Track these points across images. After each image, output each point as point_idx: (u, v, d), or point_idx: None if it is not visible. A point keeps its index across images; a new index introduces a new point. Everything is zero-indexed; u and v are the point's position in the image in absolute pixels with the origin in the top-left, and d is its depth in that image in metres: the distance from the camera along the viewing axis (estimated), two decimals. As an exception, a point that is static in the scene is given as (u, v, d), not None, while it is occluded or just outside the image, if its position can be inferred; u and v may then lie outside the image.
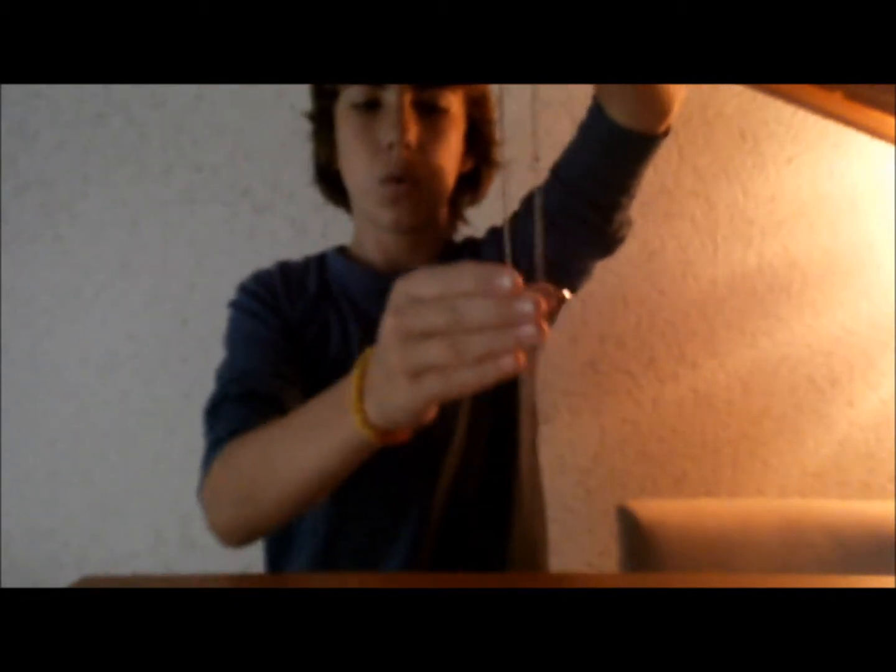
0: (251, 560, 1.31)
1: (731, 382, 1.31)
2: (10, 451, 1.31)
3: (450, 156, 0.82)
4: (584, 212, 0.77)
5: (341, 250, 0.91)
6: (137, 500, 1.31)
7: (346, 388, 0.51)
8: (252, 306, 0.85)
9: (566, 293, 0.46)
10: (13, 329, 1.30)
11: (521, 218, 0.87)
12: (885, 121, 1.16)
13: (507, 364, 0.41)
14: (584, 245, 0.81)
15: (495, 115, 0.87)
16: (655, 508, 1.02)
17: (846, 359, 1.30)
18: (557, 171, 0.79)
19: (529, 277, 0.85)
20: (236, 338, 0.83)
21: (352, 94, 0.79)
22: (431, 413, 0.49)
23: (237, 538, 0.69)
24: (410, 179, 0.79)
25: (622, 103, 0.69)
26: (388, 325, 0.44)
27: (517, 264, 0.88)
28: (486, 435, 0.84)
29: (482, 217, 0.93)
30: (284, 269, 0.89)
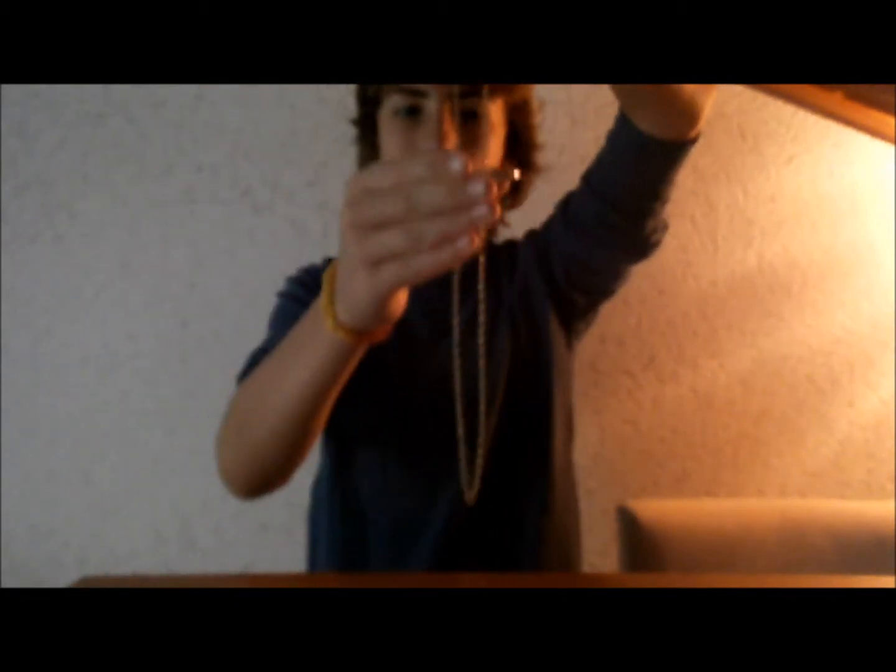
0: (251, 560, 1.32)
1: (731, 382, 1.31)
2: (10, 451, 1.31)
3: (489, 162, 0.83)
4: (615, 219, 0.78)
5: None
6: (137, 500, 1.31)
7: (321, 298, 0.52)
8: (297, 292, 0.87)
9: (516, 173, 0.46)
10: (13, 329, 1.30)
11: (556, 222, 0.87)
12: (885, 121, 1.16)
13: (463, 246, 0.41)
14: (618, 251, 0.82)
15: (536, 120, 0.89)
16: (655, 508, 1.02)
17: (846, 359, 1.30)
18: (588, 179, 0.80)
19: (564, 280, 0.85)
20: (277, 319, 0.86)
21: (394, 101, 0.80)
22: (398, 309, 0.50)
23: (243, 481, 0.68)
24: None
25: (646, 113, 0.69)
26: (345, 217, 0.44)
27: (551, 266, 0.86)
28: (520, 431, 0.85)
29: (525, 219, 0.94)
30: (315, 268, 0.92)
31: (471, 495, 0.82)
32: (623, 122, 0.72)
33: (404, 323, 0.85)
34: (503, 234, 0.96)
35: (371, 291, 0.46)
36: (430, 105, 0.78)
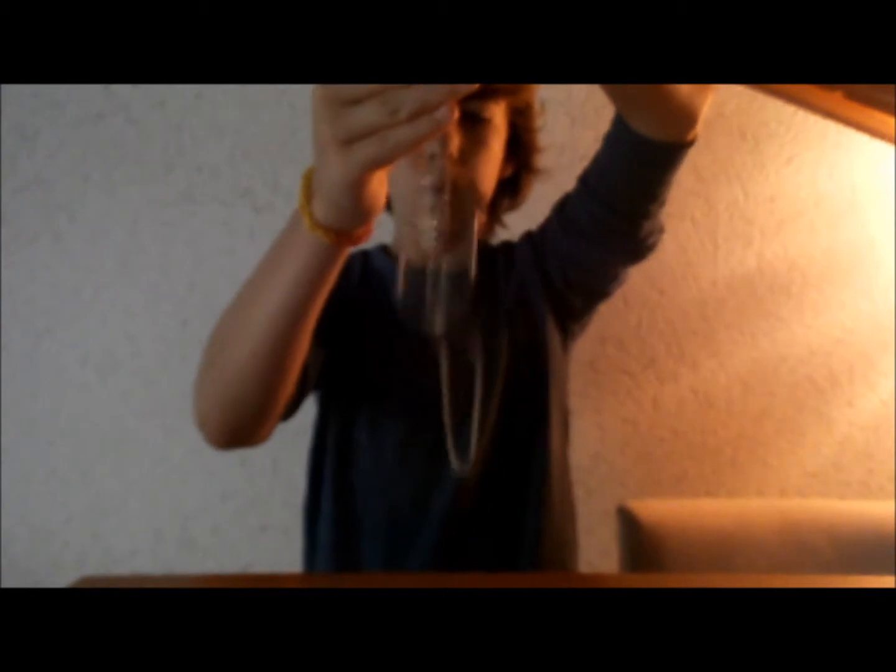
0: (251, 560, 1.32)
1: (731, 382, 1.31)
2: (10, 451, 1.31)
3: (491, 165, 0.83)
4: (612, 221, 0.77)
5: (384, 248, 0.94)
6: (137, 500, 1.31)
7: (298, 199, 0.51)
8: None
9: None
10: (13, 329, 1.30)
11: (552, 223, 0.87)
12: (885, 121, 1.16)
13: (442, 116, 0.40)
14: (614, 253, 0.82)
15: (538, 123, 0.89)
16: (655, 508, 1.02)
17: (846, 359, 1.30)
18: (585, 180, 0.80)
19: (560, 281, 0.85)
20: None
21: None
22: (376, 204, 0.49)
23: (219, 419, 0.65)
24: (451, 189, 0.80)
25: (642, 116, 0.69)
26: (317, 95, 0.43)
27: (548, 267, 0.87)
28: (516, 432, 0.86)
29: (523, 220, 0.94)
30: None
31: (466, 495, 0.82)
32: (620, 124, 0.72)
33: (401, 324, 0.86)
34: (500, 235, 0.96)
35: (346, 173, 0.44)
36: None
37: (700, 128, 0.69)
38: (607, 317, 1.29)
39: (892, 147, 1.23)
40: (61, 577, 1.22)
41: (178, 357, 1.30)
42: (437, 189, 0.80)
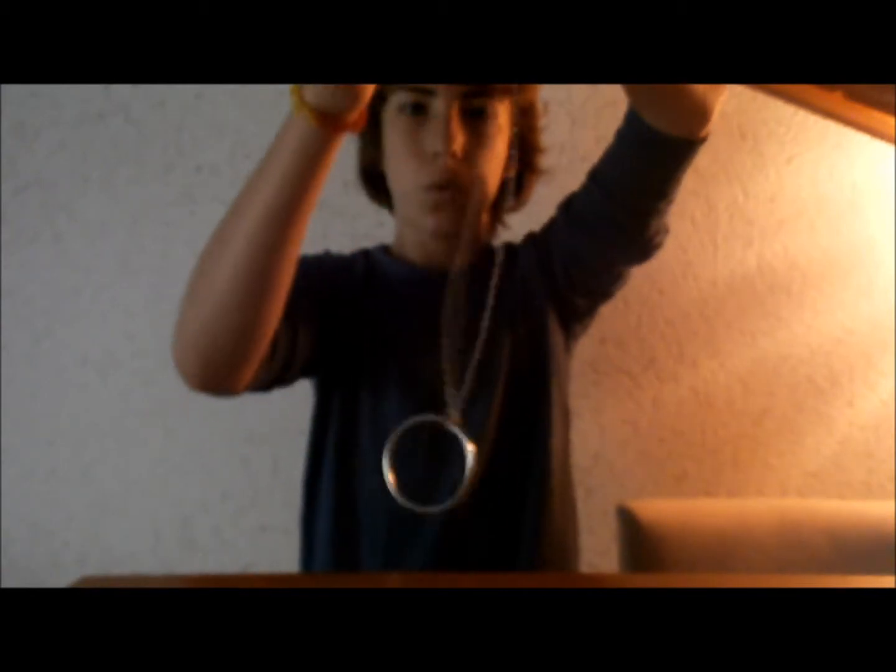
0: (251, 560, 1.32)
1: (731, 382, 1.31)
2: (10, 451, 1.31)
3: (494, 163, 0.83)
4: (621, 217, 0.78)
5: (385, 247, 0.93)
6: (137, 500, 1.31)
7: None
8: (308, 270, 0.86)
9: None
10: (13, 329, 1.30)
11: (558, 223, 0.87)
12: (885, 121, 1.16)
13: None
14: (620, 251, 0.82)
15: (541, 122, 0.89)
16: (655, 508, 1.02)
17: (846, 359, 1.30)
18: (595, 176, 0.80)
19: (564, 281, 0.85)
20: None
21: (399, 98, 0.80)
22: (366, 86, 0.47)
23: (197, 352, 0.66)
24: (454, 187, 0.80)
25: (657, 109, 0.69)
26: None
27: (552, 267, 0.86)
28: (518, 432, 0.85)
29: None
30: (331, 255, 0.92)
31: (466, 494, 0.81)
32: (633, 118, 0.72)
33: (403, 325, 0.86)
34: (502, 236, 0.96)
35: None
36: (437, 104, 0.78)
37: (713, 124, 0.69)
38: (607, 317, 1.29)
39: (892, 147, 1.23)
40: (61, 577, 1.22)
41: (178, 357, 1.30)
42: (440, 187, 0.80)
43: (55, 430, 1.31)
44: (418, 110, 0.79)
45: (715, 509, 1.06)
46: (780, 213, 1.29)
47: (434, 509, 0.80)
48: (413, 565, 0.83)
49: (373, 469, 0.83)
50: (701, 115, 0.68)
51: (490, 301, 0.86)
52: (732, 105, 1.29)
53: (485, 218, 0.90)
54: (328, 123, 0.52)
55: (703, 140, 0.72)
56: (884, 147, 1.24)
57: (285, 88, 1.37)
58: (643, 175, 0.75)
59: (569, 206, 0.85)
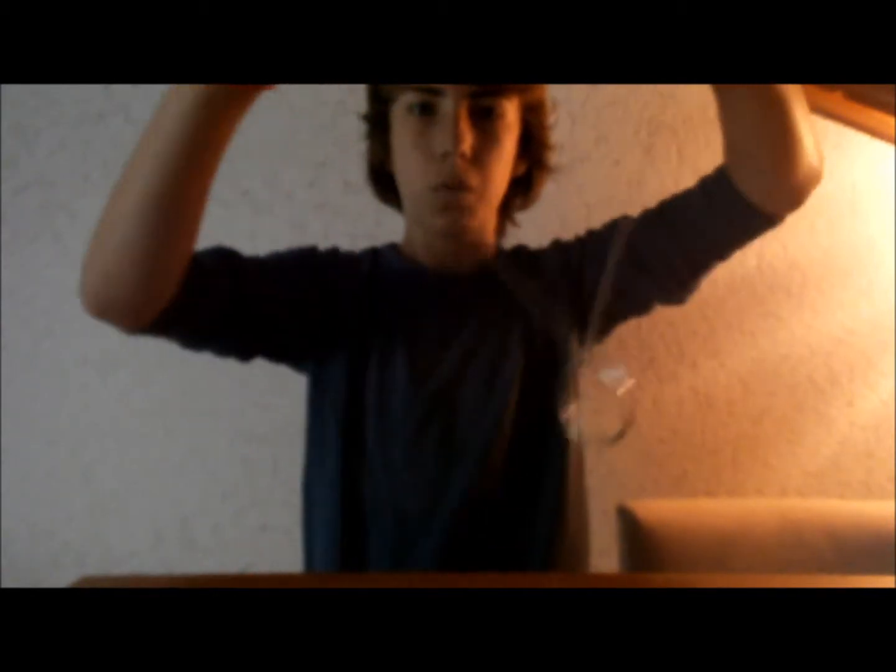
0: (251, 560, 1.32)
1: (731, 382, 1.31)
2: (11, 451, 1.31)
3: (503, 162, 0.82)
4: (677, 263, 0.79)
5: (394, 247, 0.93)
6: (137, 500, 1.31)
7: None
8: (299, 253, 0.87)
9: None
10: (13, 329, 1.30)
11: (600, 240, 0.86)
12: (885, 121, 1.16)
13: None
14: (663, 294, 0.84)
15: (550, 119, 0.88)
16: (655, 508, 1.02)
17: (846, 359, 1.30)
18: (664, 213, 0.80)
19: (591, 302, 0.83)
20: (277, 256, 0.86)
21: (408, 98, 0.79)
22: None
23: (96, 275, 0.69)
24: (464, 187, 0.79)
25: (758, 182, 0.71)
26: None
27: (582, 283, 0.85)
28: (534, 433, 0.84)
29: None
30: (339, 252, 0.92)
31: (477, 499, 0.80)
32: (727, 180, 0.73)
33: (411, 324, 0.85)
34: (513, 236, 0.95)
35: None
36: (446, 103, 0.77)
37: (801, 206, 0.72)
38: (607, 317, 1.29)
39: (892, 147, 1.23)
40: (61, 577, 1.22)
41: (179, 357, 1.29)
42: (450, 188, 0.79)
43: (55, 430, 1.31)
44: (427, 110, 0.78)
45: (715, 509, 1.06)
46: (780, 213, 1.29)
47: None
48: (419, 568, 0.82)
49: (380, 468, 0.83)
50: (797, 195, 0.71)
51: (504, 303, 0.85)
52: (732, 105, 1.29)
53: (494, 217, 0.89)
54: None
55: (781, 220, 0.74)
56: (884, 147, 1.24)
57: (285, 88, 1.38)
58: (715, 235, 0.77)
59: (615, 227, 0.84)
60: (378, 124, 0.86)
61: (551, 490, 0.84)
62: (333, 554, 0.84)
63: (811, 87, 1.19)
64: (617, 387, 0.63)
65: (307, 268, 0.86)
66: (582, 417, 0.67)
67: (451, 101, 0.77)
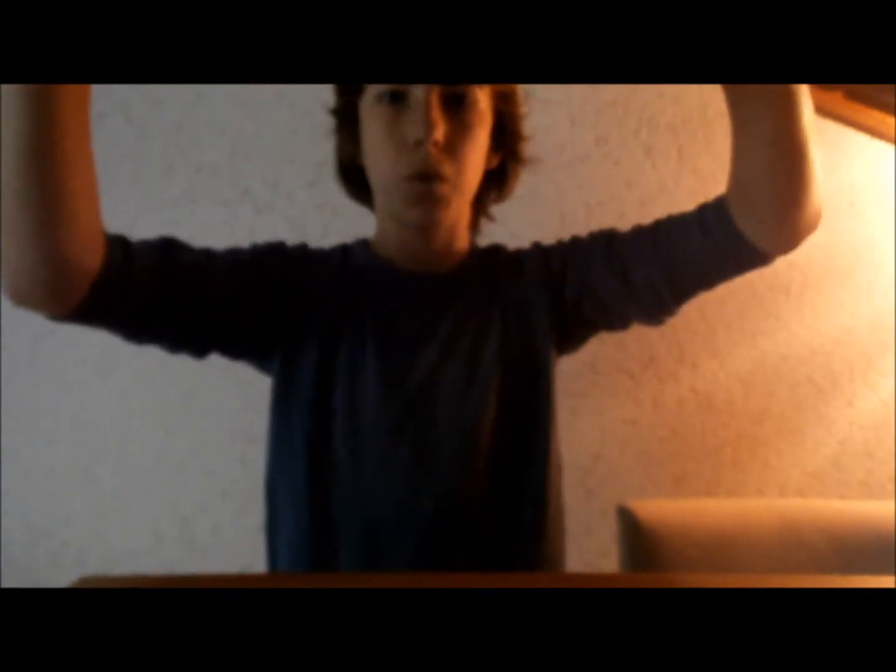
0: (251, 560, 1.31)
1: (731, 382, 1.31)
2: (10, 451, 1.31)
3: (477, 152, 0.80)
4: (666, 294, 0.78)
5: (365, 243, 0.90)
6: (137, 500, 1.31)
7: None
8: (260, 248, 0.84)
9: None
10: (13, 329, 1.30)
11: (584, 248, 0.83)
12: (885, 121, 1.16)
13: None
14: (640, 310, 0.82)
15: (524, 109, 0.85)
16: (655, 508, 1.02)
17: (846, 359, 1.30)
18: (657, 235, 0.78)
19: (572, 307, 0.82)
20: (230, 250, 0.83)
21: (377, 88, 0.77)
22: None
23: (7, 264, 0.66)
24: (437, 177, 0.77)
25: (761, 223, 0.70)
26: None
27: (563, 289, 0.83)
28: (514, 432, 0.82)
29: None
30: (308, 248, 0.89)
31: (450, 508, 0.78)
32: (726, 216, 0.72)
33: (386, 326, 0.83)
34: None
35: None
36: (417, 91, 0.75)
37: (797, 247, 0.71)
38: (607, 317, 1.29)
39: (892, 147, 1.23)
40: (61, 577, 1.22)
41: (178, 357, 1.30)
42: (423, 178, 0.77)
43: (55, 430, 1.31)
44: (397, 99, 0.76)
45: (715, 509, 1.06)
46: (780, 213, 1.29)
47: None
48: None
49: (350, 476, 0.79)
50: (795, 237, 0.70)
51: (482, 302, 0.83)
52: (732, 105, 1.29)
53: (468, 210, 0.86)
54: None
55: (772, 260, 0.73)
56: (884, 147, 1.24)
57: (285, 88, 1.38)
58: (707, 268, 0.76)
59: (610, 246, 0.81)
60: (347, 117, 0.84)
61: (530, 500, 0.81)
62: (301, 566, 0.81)
63: (811, 87, 1.19)
64: None
65: (270, 262, 0.83)
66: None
67: (421, 89, 0.75)
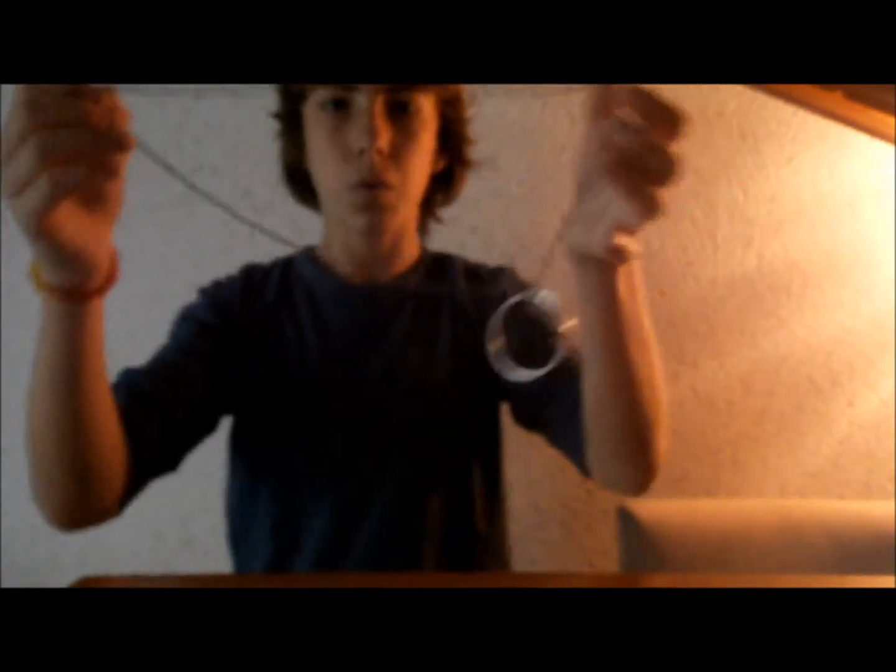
0: (251, 560, 1.31)
1: (731, 382, 1.31)
2: (10, 451, 1.31)
3: (422, 158, 0.80)
4: (579, 465, 0.80)
5: (310, 252, 0.89)
6: (137, 500, 1.31)
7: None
8: (202, 316, 0.86)
9: None
10: (13, 329, 1.30)
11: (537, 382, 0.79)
12: (885, 121, 1.16)
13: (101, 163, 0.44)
14: (513, 408, 0.84)
15: (468, 113, 0.86)
16: (655, 508, 1.02)
17: (846, 359, 1.30)
18: (559, 376, 0.67)
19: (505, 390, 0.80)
20: (174, 342, 0.85)
21: (320, 94, 0.77)
22: (95, 254, 0.52)
23: (47, 498, 0.71)
24: (382, 185, 0.77)
25: (608, 478, 0.78)
26: None
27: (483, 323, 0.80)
28: (460, 454, 0.83)
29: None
30: (248, 274, 0.89)
31: (396, 522, 0.80)
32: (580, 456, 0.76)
33: (336, 332, 0.82)
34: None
35: (25, 227, 0.45)
36: (360, 98, 0.75)
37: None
38: (607, 317, 1.29)
39: (892, 147, 1.23)
40: (61, 577, 1.22)
41: (178, 357, 1.30)
42: (368, 185, 0.76)
43: (55, 430, 1.31)
44: (340, 106, 0.76)
45: (715, 509, 1.06)
46: (780, 213, 1.29)
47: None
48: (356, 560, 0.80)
49: (313, 503, 0.81)
50: (641, 485, 0.78)
51: (431, 306, 0.84)
52: (732, 105, 1.29)
53: (415, 215, 0.86)
54: (71, 296, 0.53)
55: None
56: (884, 147, 1.24)
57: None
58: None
59: (553, 383, 0.72)
60: (291, 122, 0.84)
61: (480, 512, 0.83)
62: (266, 553, 0.86)
63: (811, 87, 1.19)
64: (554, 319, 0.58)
65: (205, 337, 0.84)
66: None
67: (365, 96, 0.74)
